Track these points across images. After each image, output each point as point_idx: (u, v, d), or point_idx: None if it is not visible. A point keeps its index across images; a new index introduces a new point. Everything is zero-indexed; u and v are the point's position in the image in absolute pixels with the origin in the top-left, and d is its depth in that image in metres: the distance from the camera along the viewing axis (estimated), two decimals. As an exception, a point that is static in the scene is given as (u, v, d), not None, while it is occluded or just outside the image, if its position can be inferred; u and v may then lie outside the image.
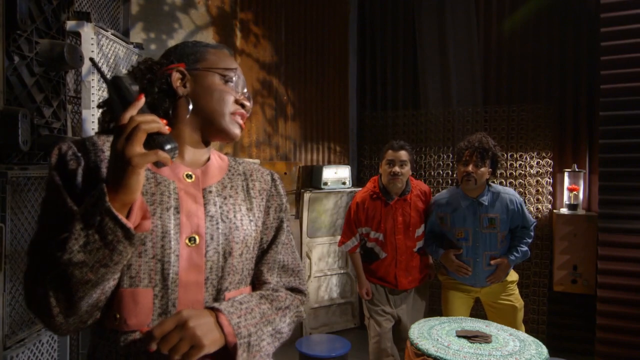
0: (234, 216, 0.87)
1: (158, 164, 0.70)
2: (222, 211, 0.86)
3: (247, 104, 0.91)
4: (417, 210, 2.47)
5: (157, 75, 0.86)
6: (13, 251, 1.34)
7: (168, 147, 0.68)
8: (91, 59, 0.84)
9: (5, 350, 1.30)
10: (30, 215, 1.44)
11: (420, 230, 2.48)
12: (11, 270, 1.34)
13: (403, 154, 2.39)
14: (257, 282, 0.93)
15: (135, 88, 0.75)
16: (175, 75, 0.85)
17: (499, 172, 3.30)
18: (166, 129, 0.70)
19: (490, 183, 2.36)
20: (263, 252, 0.94)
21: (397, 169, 2.37)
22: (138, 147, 0.66)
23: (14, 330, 1.35)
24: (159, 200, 0.80)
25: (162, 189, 0.81)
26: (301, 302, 0.95)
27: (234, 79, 0.90)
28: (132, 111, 0.69)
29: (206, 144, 0.91)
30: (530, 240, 2.35)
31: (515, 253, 2.31)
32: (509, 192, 2.34)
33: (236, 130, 0.89)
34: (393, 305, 2.51)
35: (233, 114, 0.88)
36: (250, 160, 1.00)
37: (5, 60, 1.34)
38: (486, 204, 2.30)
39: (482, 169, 2.25)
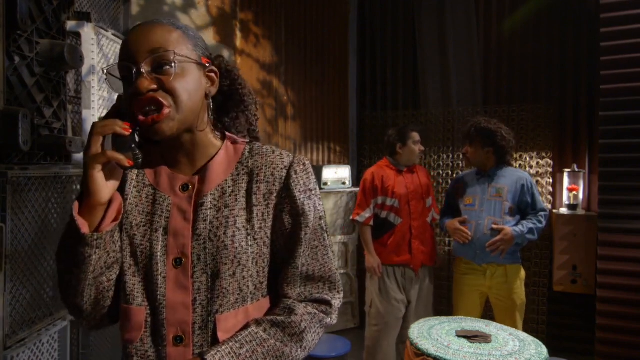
0: (224, 233, 0.78)
1: (123, 167, 0.73)
2: (212, 227, 0.78)
3: (137, 90, 0.71)
4: (424, 182, 2.74)
5: None
6: (14, 251, 1.35)
7: (124, 148, 0.72)
8: (119, 96, 0.81)
9: (5, 350, 1.30)
10: (30, 215, 1.44)
11: (429, 201, 2.72)
12: (12, 270, 1.34)
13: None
14: (277, 294, 0.85)
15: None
16: None
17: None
18: (123, 132, 0.72)
19: (506, 163, 2.52)
20: (282, 266, 0.84)
21: (422, 147, 2.73)
22: (92, 149, 0.71)
23: (14, 330, 1.35)
24: (151, 221, 0.81)
25: (156, 208, 0.81)
26: (326, 313, 0.84)
27: (126, 71, 0.74)
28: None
29: (194, 141, 0.81)
30: (539, 225, 2.39)
31: (520, 226, 2.36)
32: (522, 172, 2.55)
33: (152, 137, 0.74)
34: (403, 290, 2.58)
35: (138, 112, 0.73)
36: (269, 148, 0.84)
37: (6, 61, 1.35)
38: (496, 176, 2.48)
39: (472, 149, 2.51)
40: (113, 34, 1.89)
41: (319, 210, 0.84)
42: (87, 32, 1.71)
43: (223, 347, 0.73)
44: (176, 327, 0.78)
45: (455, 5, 3.57)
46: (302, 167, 0.83)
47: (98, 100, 1.78)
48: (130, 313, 0.79)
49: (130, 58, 0.73)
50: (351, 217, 2.77)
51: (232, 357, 0.72)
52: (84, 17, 1.72)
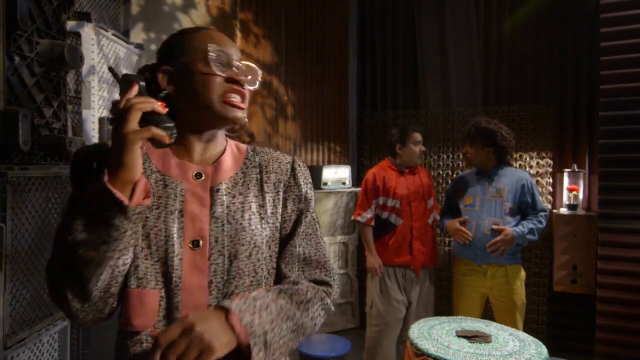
0: (241, 216, 0.84)
1: (157, 143, 0.73)
2: (229, 211, 0.83)
3: (241, 77, 0.83)
4: (426, 182, 2.74)
5: (149, 78, 0.85)
6: (13, 251, 1.35)
7: (163, 125, 0.72)
8: (110, 68, 0.84)
9: (5, 350, 1.30)
10: (30, 215, 1.44)
11: (430, 202, 2.71)
12: (11, 270, 1.34)
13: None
14: (277, 278, 0.89)
15: (143, 83, 0.79)
16: (160, 76, 0.84)
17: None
18: (161, 109, 0.73)
19: (505, 162, 2.51)
20: (282, 247, 0.90)
21: (423, 147, 2.70)
22: (132, 125, 0.70)
23: (14, 330, 1.35)
24: (165, 204, 0.81)
25: (169, 192, 0.82)
26: (327, 293, 0.88)
27: (214, 56, 0.82)
28: (126, 97, 0.73)
29: (216, 135, 0.88)
30: (540, 226, 2.39)
31: (520, 227, 2.36)
32: (522, 172, 2.55)
33: (233, 114, 0.83)
34: (403, 291, 2.58)
35: (224, 95, 0.82)
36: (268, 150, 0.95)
37: (6, 61, 1.35)
38: (496, 176, 2.47)
39: (472, 149, 2.49)
40: (113, 34, 1.89)
41: (314, 202, 0.95)
42: (87, 32, 1.71)
43: (236, 299, 0.74)
44: (191, 310, 0.78)
45: (455, 5, 3.57)
46: (301, 163, 0.96)
47: (98, 100, 1.79)
48: (143, 297, 0.78)
49: (233, 54, 0.85)
50: (352, 217, 2.77)
51: (247, 305, 0.73)
52: (84, 17, 1.72)
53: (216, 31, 0.88)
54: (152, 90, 0.84)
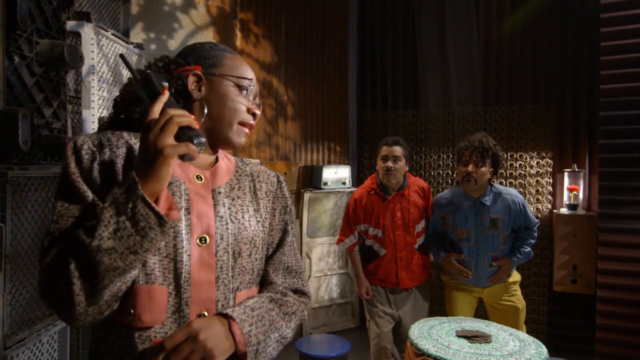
0: (242, 217, 0.88)
1: (185, 157, 0.72)
2: (231, 212, 0.87)
3: (258, 112, 0.92)
4: (415, 206, 2.46)
5: (173, 75, 0.86)
6: (13, 251, 1.35)
7: (197, 141, 0.72)
8: (121, 55, 0.82)
9: (5, 350, 1.30)
10: (30, 215, 1.44)
11: (420, 227, 2.48)
12: (11, 270, 1.34)
13: (397, 150, 2.40)
14: (263, 282, 0.95)
15: (165, 84, 0.77)
16: (192, 79, 0.86)
17: (499, 172, 3.32)
18: (196, 124, 0.73)
19: (492, 183, 2.37)
20: (270, 253, 0.96)
21: (390, 164, 2.38)
22: (170, 139, 0.69)
23: (14, 330, 1.35)
24: None
25: (174, 190, 0.82)
26: (305, 304, 0.97)
27: (249, 89, 0.90)
28: (159, 105, 0.73)
29: (214, 146, 0.92)
30: (533, 241, 2.34)
31: (518, 254, 2.30)
32: (512, 193, 2.34)
33: (240, 140, 0.90)
34: (394, 306, 2.50)
35: (242, 124, 0.89)
36: (254, 160, 1.03)
37: (6, 60, 1.35)
38: (488, 204, 2.29)
39: (483, 169, 2.26)
40: (113, 34, 1.89)
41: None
42: (87, 32, 1.71)
43: (237, 308, 0.81)
44: (200, 305, 0.80)
45: (455, 5, 3.57)
46: (283, 177, 1.02)
47: (98, 100, 1.78)
48: (152, 292, 0.77)
49: (257, 89, 0.94)
50: (336, 242, 2.65)
51: (247, 316, 0.80)
52: (84, 17, 1.72)
53: (240, 58, 0.93)
54: (178, 93, 0.84)
